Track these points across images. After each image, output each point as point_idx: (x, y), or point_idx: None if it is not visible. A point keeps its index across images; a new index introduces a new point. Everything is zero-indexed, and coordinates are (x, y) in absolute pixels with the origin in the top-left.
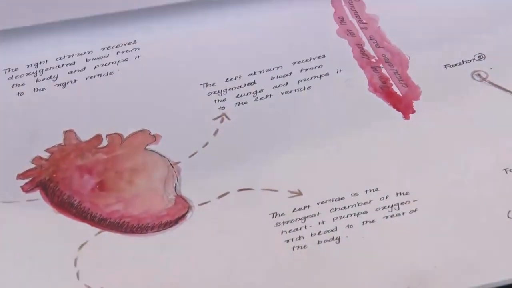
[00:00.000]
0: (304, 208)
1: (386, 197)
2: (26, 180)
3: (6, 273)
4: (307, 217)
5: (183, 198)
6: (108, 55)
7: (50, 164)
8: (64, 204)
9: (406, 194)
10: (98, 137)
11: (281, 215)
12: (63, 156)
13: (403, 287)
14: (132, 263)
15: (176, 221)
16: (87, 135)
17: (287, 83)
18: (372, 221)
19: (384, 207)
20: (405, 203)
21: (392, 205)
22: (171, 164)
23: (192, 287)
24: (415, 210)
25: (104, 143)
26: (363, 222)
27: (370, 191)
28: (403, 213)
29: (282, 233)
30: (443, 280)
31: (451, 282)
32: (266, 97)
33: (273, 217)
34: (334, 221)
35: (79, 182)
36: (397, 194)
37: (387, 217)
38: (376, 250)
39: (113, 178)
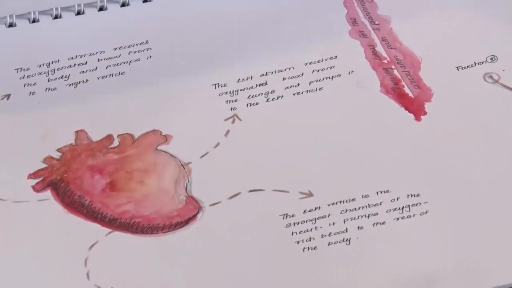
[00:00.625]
0: (315, 209)
1: (397, 199)
2: (37, 180)
3: (17, 272)
4: (317, 218)
5: (194, 198)
6: (120, 55)
7: (61, 164)
8: (75, 204)
9: (417, 196)
10: (109, 137)
11: (292, 216)
12: (74, 156)
13: None
14: (143, 263)
15: (186, 222)
16: (98, 135)
17: (298, 84)
18: (383, 223)
19: (395, 209)
20: (416, 205)
21: (403, 207)
22: (182, 165)
23: (202, 287)
24: (425, 212)
25: (115, 143)
26: (374, 223)
27: (381, 192)
28: (413, 215)
29: (292, 234)
30: (453, 281)
31: (461, 283)
32: (277, 98)
33: (283, 218)
34: (344, 222)
35: (90, 182)
36: (408, 196)
37: (397, 218)
38: (386, 252)
39: (124, 178)
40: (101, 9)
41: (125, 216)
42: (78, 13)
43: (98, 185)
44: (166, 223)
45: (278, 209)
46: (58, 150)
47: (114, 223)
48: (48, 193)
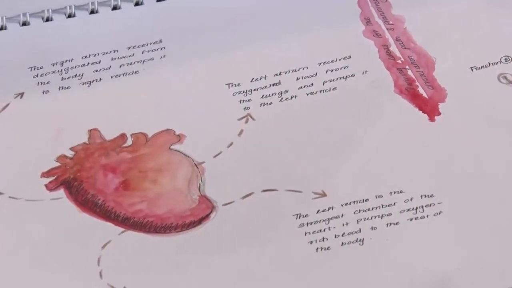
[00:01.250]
0: (328, 210)
1: (411, 199)
2: (51, 179)
3: (29, 271)
4: (331, 219)
5: (207, 198)
6: (133, 54)
7: (75, 162)
8: (88, 203)
9: (430, 196)
10: (123, 136)
11: (305, 216)
12: (88, 155)
13: None
14: (156, 263)
15: (199, 221)
16: (112, 134)
17: (312, 84)
18: (397, 223)
19: (408, 209)
20: (430, 206)
21: (417, 208)
22: (195, 164)
23: (215, 287)
24: (439, 213)
25: (129, 142)
26: (387, 224)
27: (394, 193)
28: (427, 216)
29: (305, 234)
30: (467, 282)
31: (475, 284)
32: (291, 97)
33: (296, 218)
34: (358, 223)
35: (103, 181)
36: (421, 196)
37: (411, 219)
38: (400, 252)
39: (137, 177)
40: (114, 8)
41: (138, 215)
42: (92, 12)
43: (111, 184)
44: (179, 222)
45: (291, 209)
46: (72, 148)
47: (127, 222)
48: (61, 192)
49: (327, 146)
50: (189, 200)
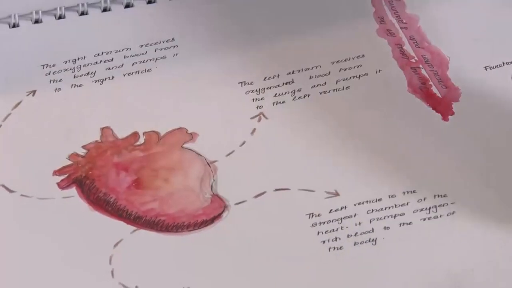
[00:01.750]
0: (341, 209)
1: (424, 199)
2: (62, 177)
3: (41, 270)
4: (343, 218)
5: (219, 197)
6: (146, 52)
7: (87, 161)
8: (100, 201)
9: (444, 196)
10: (135, 135)
11: (318, 215)
12: (100, 153)
13: None
14: (167, 262)
15: (212, 220)
16: (124, 132)
17: (325, 83)
18: (409, 223)
19: (421, 209)
20: (443, 206)
21: (430, 207)
22: (207, 163)
23: (226, 286)
24: (452, 213)
25: (141, 140)
26: (400, 224)
27: (407, 192)
28: (440, 216)
29: (318, 234)
30: (480, 283)
31: (488, 284)
32: (304, 96)
33: (309, 217)
34: (370, 222)
35: (115, 180)
36: (435, 196)
37: (424, 219)
38: (412, 252)
39: (149, 176)
40: (127, 6)
41: (150, 214)
42: (104, 10)
43: (123, 183)
44: (191, 221)
45: (304, 208)
46: (84, 147)
47: (139, 221)
48: (73, 190)
49: (340, 145)
50: (201, 199)
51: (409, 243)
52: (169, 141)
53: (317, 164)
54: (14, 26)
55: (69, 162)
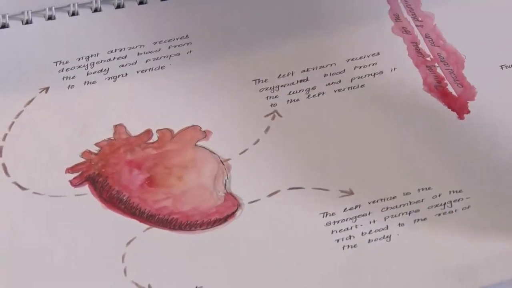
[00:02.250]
0: (355, 208)
1: (439, 195)
2: (75, 174)
3: (52, 268)
4: (358, 217)
5: (233, 195)
6: (160, 49)
7: (100, 158)
8: (113, 199)
9: (459, 192)
10: (148, 132)
11: (332, 214)
12: (113, 151)
13: (455, 279)
14: (180, 260)
15: (225, 219)
16: (137, 129)
17: (340, 81)
18: (424, 219)
19: (436, 205)
20: (458, 201)
21: (445, 203)
22: (221, 161)
23: (240, 285)
24: (468, 207)
25: (154, 138)
26: (415, 220)
27: (422, 190)
28: (455, 210)
29: (332, 233)
30: (495, 275)
31: (504, 277)
32: (318, 94)
33: (323, 216)
34: (385, 220)
35: (128, 177)
36: (450, 192)
37: (439, 214)
38: (427, 247)
39: (162, 173)
40: (141, 2)
41: (163, 212)
42: (118, 7)
43: (136, 180)
44: (204, 220)
45: (318, 207)
46: (97, 144)
47: (152, 219)
48: (85, 188)
49: (354, 143)
50: (214, 197)
51: (424, 238)
52: (183, 139)
53: (331, 162)
54: (27, 22)
55: (82, 160)
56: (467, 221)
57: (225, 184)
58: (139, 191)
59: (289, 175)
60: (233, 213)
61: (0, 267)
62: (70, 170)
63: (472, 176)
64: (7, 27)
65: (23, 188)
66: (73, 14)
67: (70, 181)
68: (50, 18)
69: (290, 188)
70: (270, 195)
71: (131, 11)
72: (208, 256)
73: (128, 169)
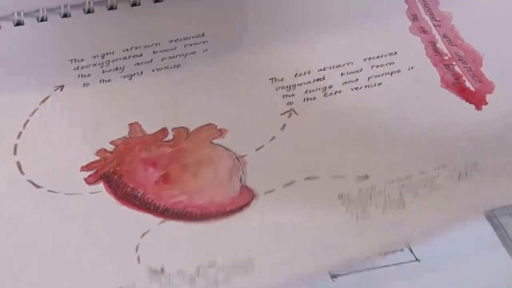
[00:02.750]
0: (371, 188)
1: (455, 169)
2: (90, 172)
3: (65, 264)
4: (372, 195)
5: (248, 187)
6: (175, 47)
7: (115, 156)
8: (128, 196)
9: (474, 164)
10: (164, 131)
11: (347, 195)
12: (128, 149)
13: None
14: (194, 247)
15: (240, 208)
16: (153, 128)
17: (357, 79)
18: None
19: (451, 177)
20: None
21: (460, 174)
22: (236, 157)
23: (255, 273)
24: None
25: (170, 136)
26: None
27: (438, 168)
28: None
29: (347, 210)
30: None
31: None
32: (335, 93)
33: (339, 198)
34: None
35: (144, 175)
36: (466, 164)
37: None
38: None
39: (177, 171)
40: (157, 0)
41: (178, 206)
42: (134, 5)
43: (151, 178)
44: (219, 211)
45: (335, 194)
46: (112, 142)
47: (167, 213)
48: (100, 186)
49: (371, 142)
50: (229, 191)
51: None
52: (198, 137)
53: (347, 160)
54: (42, 20)
55: (97, 158)
56: (482, 189)
57: (241, 180)
58: (154, 188)
59: (304, 170)
60: (248, 203)
61: (16, 264)
62: (85, 168)
63: (487, 146)
64: (22, 24)
65: (37, 186)
66: (88, 12)
67: (85, 179)
68: (65, 15)
69: (307, 178)
70: (286, 186)
71: (147, 9)
72: (222, 244)
73: (143, 167)
